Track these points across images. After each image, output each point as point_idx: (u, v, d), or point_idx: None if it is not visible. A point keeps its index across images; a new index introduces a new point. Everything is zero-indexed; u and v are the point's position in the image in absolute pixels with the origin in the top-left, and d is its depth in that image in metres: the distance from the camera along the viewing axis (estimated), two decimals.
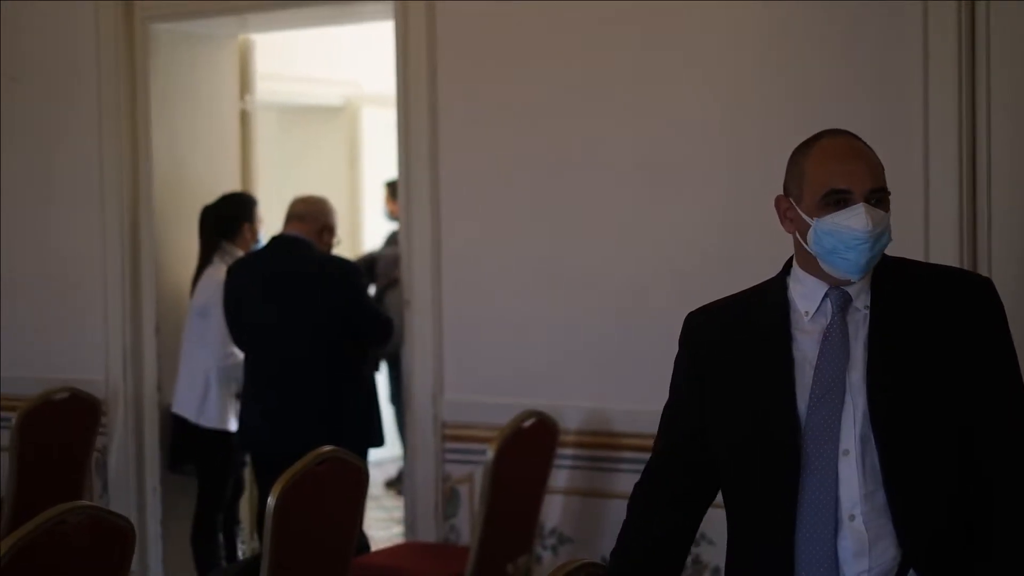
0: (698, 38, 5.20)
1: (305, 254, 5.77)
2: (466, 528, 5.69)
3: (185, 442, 6.37)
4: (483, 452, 5.24)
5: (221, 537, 6.35)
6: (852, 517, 2.77)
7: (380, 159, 9.55)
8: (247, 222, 6.36)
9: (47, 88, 6.75)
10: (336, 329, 5.67)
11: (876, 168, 2.86)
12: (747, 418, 2.88)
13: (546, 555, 5.58)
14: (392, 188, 8.93)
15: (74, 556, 3.72)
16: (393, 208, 8.64)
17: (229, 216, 6.33)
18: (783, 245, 3.05)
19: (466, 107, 5.68)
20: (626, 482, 5.32)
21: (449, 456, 5.75)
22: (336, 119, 9.93)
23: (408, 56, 5.78)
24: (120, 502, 6.39)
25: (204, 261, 6.28)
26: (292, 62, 8.70)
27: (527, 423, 5.20)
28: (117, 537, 3.84)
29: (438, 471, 5.76)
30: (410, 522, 5.89)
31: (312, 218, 5.86)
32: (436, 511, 5.77)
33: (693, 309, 3.08)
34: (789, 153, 3.00)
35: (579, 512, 5.52)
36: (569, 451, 5.47)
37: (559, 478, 5.49)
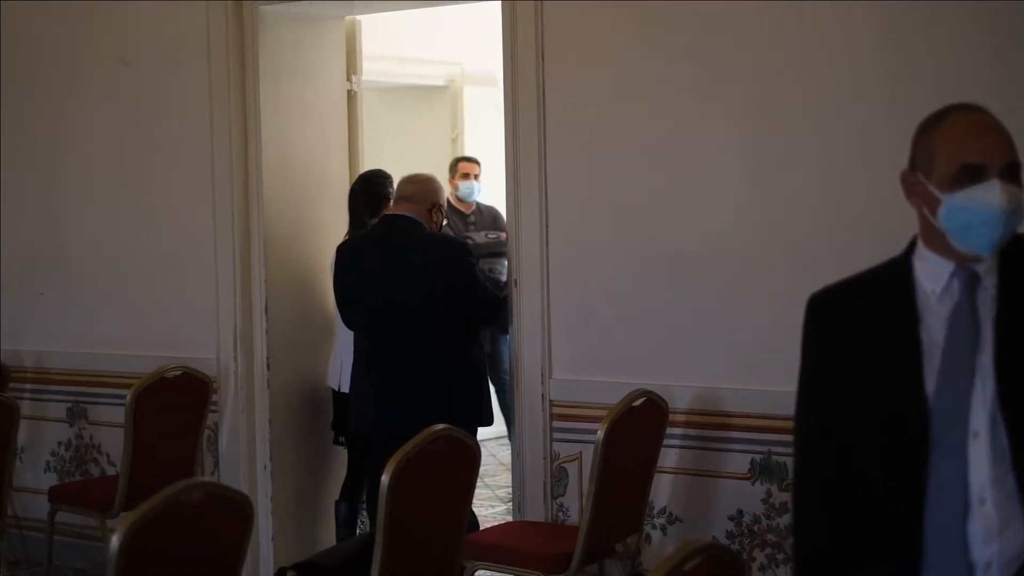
0: (805, 5, 5.16)
1: (415, 234, 5.80)
2: (574, 507, 5.70)
3: (337, 412, 6.44)
4: (591, 432, 5.23)
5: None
6: (982, 501, 2.71)
7: (482, 138, 9.58)
8: (388, 199, 6.40)
9: (158, 71, 6.82)
10: (447, 308, 5.69)
11: (1009, 142, 2.78)
12: (875, 401, 2.82)
13: (655, 535, 5.57)
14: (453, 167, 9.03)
15: (193, 532, 3.77)
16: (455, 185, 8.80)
17: (376, 194, 6.42)
18: (900, 221, 3.00)
19: (573, 86, 5.67)
20: (736, 462, 5.35)
21: (557, 435, 5.75)
22: (438, 99, 9.96)
23: (516, 36, 5.77)
24: (230, 478, 6.46)
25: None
26: (395, 42, 8.73)
27: (637, 402, 5.19)
28: (235, 513, 3.88)
29: (546, 450, 5.77)
30: (518, 501, 5.90)
31: (421, 198, 5.89)
32: (544, 490, 5.78)
33: (812, 290, 3.02)
34: (902, 126, 2.94)
35: (689, 491, 5.50)
36: (678, 430, 5.46)
37: (668, 457, 5.48)
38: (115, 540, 3.55)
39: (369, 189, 6.49)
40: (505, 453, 8.36)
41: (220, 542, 3.89)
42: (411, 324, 5.68)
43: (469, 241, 8.28)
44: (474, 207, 8.98)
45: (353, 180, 6.75)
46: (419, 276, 5.70)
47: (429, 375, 5.67)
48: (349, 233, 6.44)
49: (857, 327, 2.88)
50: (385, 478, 4.36)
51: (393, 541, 4.40)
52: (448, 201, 9.00)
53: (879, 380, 2.82)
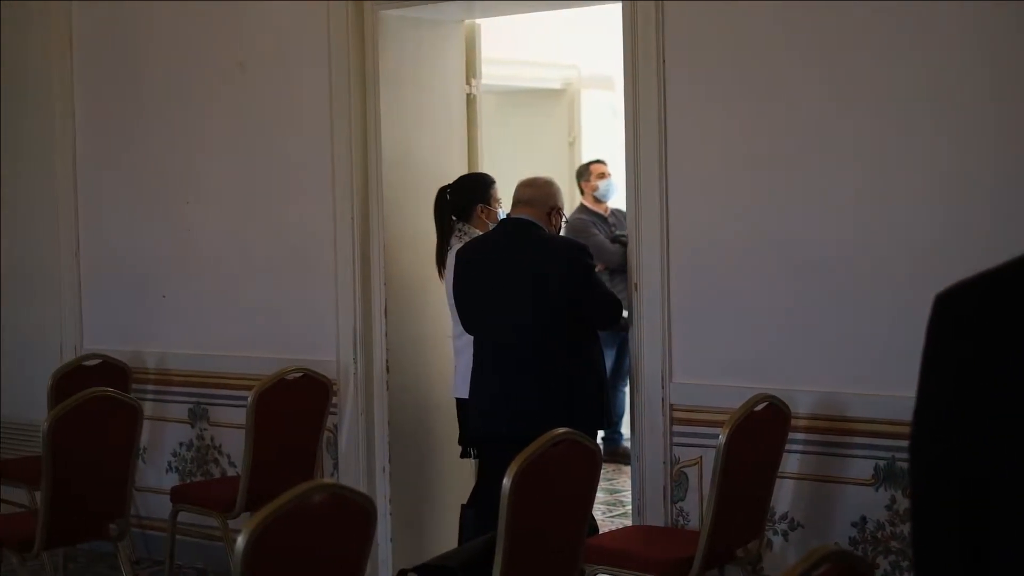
0: (925, 5, 5.09)
1: (535, 236, 5.80)
2: (694, 512, 5.66)
3: (462, 418, 6.33)
4: (712, 436, 5.20)
5: None
6: None
7: (598, 141, 9.57)
8: (480, 203, 6.38)
9: (277, 75, 6.88)
10: (567, 310, 5.67)
11: None
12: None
13: (777, 540, 5.52)
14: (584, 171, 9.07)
15: (317, 533, 3.79)
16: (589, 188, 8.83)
17: (463, 198, 6.38)
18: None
19: (695, 89, 5.64)
20: (859, 468, 5.29)
21: (678, 439, 5.72)
22: (555, 102, 9.97)
23: (636, 38, 5.74)
24: (349, 480, 6.49)
25: (443, 242, 6.35)
26: (512, 46, 8.75)
27: (759, 407, 5.13)
28: (359, 515, 3.91)
29: (667, 454, 5.74)
30: (638, 505, 5.87)
31: (540, 202, 5.88)
32: (664, 494, 5.75)
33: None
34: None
35: (811, 497, 5.44)
36: (800, 435, 5.40)
37: (790, 463, 5.42)
38: (241, 541, 3.58)
39: (455, 192, 6.45)
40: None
41: (343, 544, 3.91)
42: (531, 327, 5.67)
43: (625, 238, 8.28)
44: (609, 209, 9.01)
45: None
46: (538, 278, 5.69)
47: (549, 378, 5.65)
48: (438, 238, 6.42)
49: (999, 328, 2.35)
50: (506, 482, 4.35)
51: (514, 544, 4.38)
52: (582, 205, 9.06)
53: None
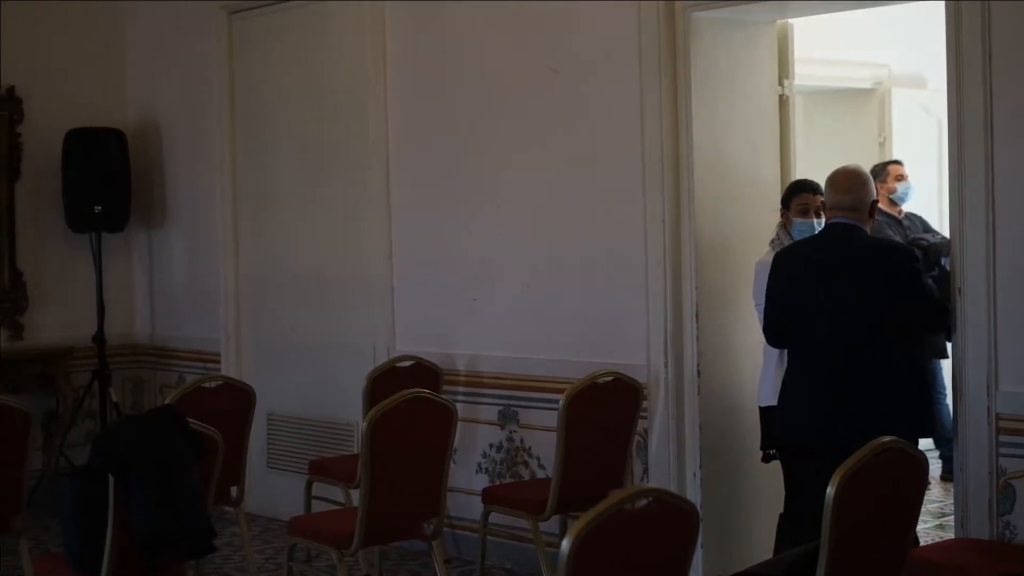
0: None
1: (859, 240, 5.64)
2: (1022, 525, 5.42)
3: (765, 423, 6.29)
4: None
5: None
6: None
7: (909, 141, 9.32)
8: (784, 208, 6.34)
9: (588, 78, 6.89)
10: (891, 315, 5.50)
11: None
12: None
13: None
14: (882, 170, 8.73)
15: (640, 538, 3.76)
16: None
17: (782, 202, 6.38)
18: None
19: (1021, 92, 5.42)
20: None
21: (1004, 450, 5.49)
22: (865, 101, 9.73)
23: (960, 38, 5.55)
24: (660, 485, 6.43)
25: None
26: (822, 45, 8.56)
27: None
28: (682, 521, 3.87)
29: (992, 465, 5.51)
30: (960, 518, 5.66)
31: (860, 203, 5.70)
32: (989, 507, 5.53)
33: None
34: None
35: None
36: None
37: None
38: (565, 544, 3.58)
39: (785, 198, 6.40)
40: (935, 466, 8.09)
41: (665, 549, 3.87)
42: (854, 332, 5.51)
43: (923, 242, 8.05)
44: (903, 212, 8.72)
45: (784, 187, 6.65)
46: (864, 283, 5.52)
47: (872, 384, 5.48)
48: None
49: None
50: (830, 490, 4.23)
51: (836, 554, 4.26)
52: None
53: None
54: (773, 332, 5.84)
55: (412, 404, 5.83)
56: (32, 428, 6.28)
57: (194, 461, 5.20)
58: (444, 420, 5.94)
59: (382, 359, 7.68)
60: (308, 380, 8.50)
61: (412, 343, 7.70)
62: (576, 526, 3.62)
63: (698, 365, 6.54)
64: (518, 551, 7.07)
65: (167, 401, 6.32)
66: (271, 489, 8.56)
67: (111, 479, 5.02)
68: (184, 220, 9.50)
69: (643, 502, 3.78)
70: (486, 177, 7.39)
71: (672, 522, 3.86)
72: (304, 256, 8.55)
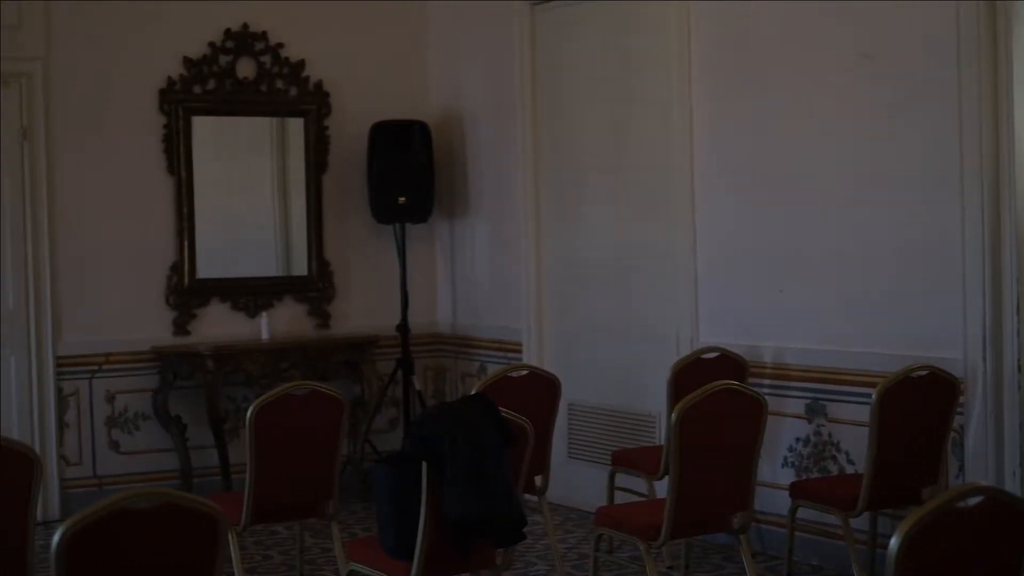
0: None
1: None
2: None
3: None
4: None
5: None
6: None
7: None
8: None
9: (901, 65, 6.69)
10: None
11: None
12: None
13: None
14: None
15: (972, 538, 3.64)
16: None
17: None
18: None
19: None
20: None
21: None
22: None
23: None
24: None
25: None
26: None
27: None
28: (1016, 520, 3.71)
29: None
30: None
31: None
32: None
33: None
34: None
35: None
36: None
37: None
38: (894, 542, 3.49)
39: None
40: None
41: (997, 550, 3.72)
42: None
43: None
44: None
45: None
46: None
47: None
48: None
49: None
50: None
51: None
52: None
53: None
54: None
55: (721, 396, 5.75)
56: (344, 415, 6.43)
57: (505, 449, 5.23)
58: (754, 413, 5.85)
59: (685, 350, 7.62)
60: (609, 370, 8.50)
61: (715, 334, 7.62)
62: (906, 523, 3.51)
63: (1019, 360, 6.27)
64: (825, 547, 6.93)
65: (474, 390, 6.40)
66: (571, 479, 8.59)
67: (424, 465, 5.09)
68: (486, 210, 9.61)
69: (975, 500, 3.64)
70: (792, 166, 7.25)
71: (1005, 522, 3.70)
72: (606, 246, 8.56)
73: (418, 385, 9.68)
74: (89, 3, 8.94)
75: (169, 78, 9.23)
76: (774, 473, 7.28)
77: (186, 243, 9.26)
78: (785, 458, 7.30)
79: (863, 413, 6.30)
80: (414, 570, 5.17)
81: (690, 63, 7.79)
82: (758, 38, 7.43)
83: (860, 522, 6.54)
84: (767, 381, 7.31)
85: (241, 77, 9.46)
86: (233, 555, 6.31)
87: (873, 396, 6.09)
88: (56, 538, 3.67)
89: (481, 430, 5.17)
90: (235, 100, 9.46)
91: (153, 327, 9.20)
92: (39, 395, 8.81)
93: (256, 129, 9.62)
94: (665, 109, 7.97)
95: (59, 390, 8.87)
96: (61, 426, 8.88)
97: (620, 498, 7.28)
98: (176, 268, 9.26)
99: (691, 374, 6.93)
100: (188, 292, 9.30)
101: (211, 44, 9.37)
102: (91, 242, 8.98)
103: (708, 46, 7.71)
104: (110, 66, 9.05)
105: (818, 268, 7.12)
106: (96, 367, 9.00)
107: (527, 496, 6.77)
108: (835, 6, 6.98)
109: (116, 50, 9.07)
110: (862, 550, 6.60)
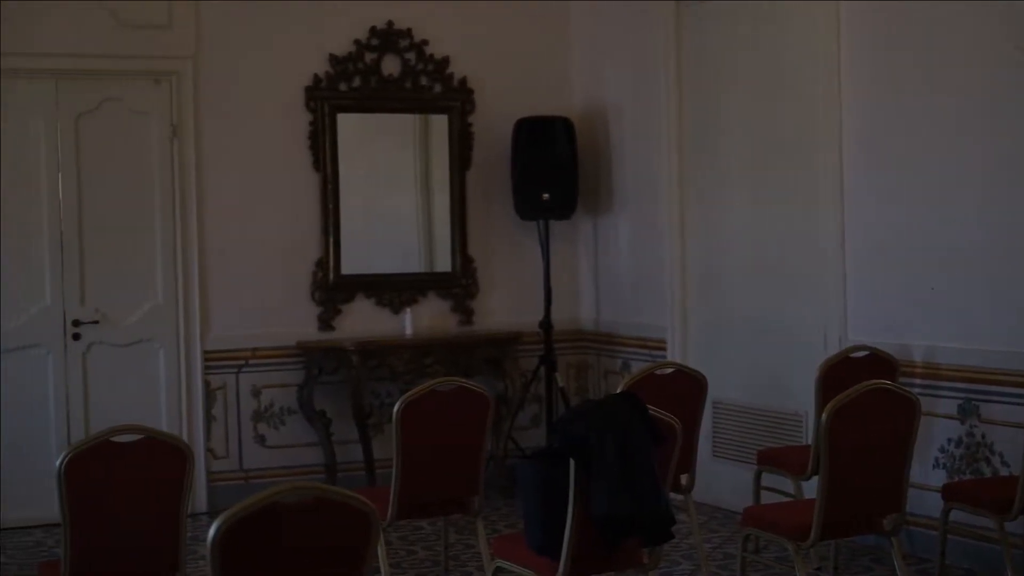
0: None
1: None
2: None
3: None
4: None
5: None
6: None
7: None
8: None
9: None
10: None
11: None
12: None
13: None
14: None
15: None
16: None
17: None
18: None
19: None
20: None
21: None
22: None
23: None
24: None
25: None
26: None
27: None
28: None
29: None
30: None
31: None
32: None
33: None
34: None
35: None
36: None
37: None
38: None
39: None
40: None
41: None
42: None
43: None
44: None
45: None
46: None
47: None
48: None
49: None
50: None
51: None
52: None
53: None
54: None
55: (873, 395, 5.64)
56: (490, 411, 6.43)
57: (653, 447, 5.19)
58: (907, 412, 5.73)
59: (833, 349, 7.50)
60: (754, 368, 8.41)
61: (863, 333, 7.49)
62: None
63: None
64: (978, 551, 6.78)
65: (620, 387, 6.36)
66: (715, 477, 8.51)
67: (572, 462, 5.06)
68: (630, 207, 9.56)
69: None
70: (943, 164, 7.09)
71: None
72: (750, 243, 8.46)
73: (561, 382, 9.66)
74: (237, 2, 9.07)
75: (315, 75, 9.33)
76: (925, 474, 7.14)
77: (331, 239, 9.34)
78: (936, 459, 7.16)
79: (1018, 414, 6.17)
80: (561, 568, 5.14)
81: (839, 61, 7.66)
82: (908, 36, 7.28)
83: (1015, 526, 6.38)
84: (918, 380, 7.17)
85: (386, 74, 9.52)
86: (380, 550, 6.34)
87: None
88: (212, 532, 3.70)
89: (630, 428, 5.12)
90: (380, 97, 9.52)
91: (298, 322, 9.29)
92: (187, 389, 8.96)
93: (400, 126, 9.68)
94: (812, 106, 7.86)
95: (207, 384, 9.01)
96: (209, 420, 9.01)
97: (766, 498, 7.19)
98: (321, 264, 9.35)
99: (840, 373, 6.81)
100: (333, 288, 9.39)
101: (356, 42, 9.45)
102: (238, 238, 9.10)
103: (858, 44, 7.57)
104: (257, 64, 9.17)
105: (970, 266, 6.96)
106: (243, 362, 9.12)
107: (672, 495, 6.73)
108: (985, 6, 6.81)
109: (263, 48, 9.18)
110: (1017, 554, 6.44)
